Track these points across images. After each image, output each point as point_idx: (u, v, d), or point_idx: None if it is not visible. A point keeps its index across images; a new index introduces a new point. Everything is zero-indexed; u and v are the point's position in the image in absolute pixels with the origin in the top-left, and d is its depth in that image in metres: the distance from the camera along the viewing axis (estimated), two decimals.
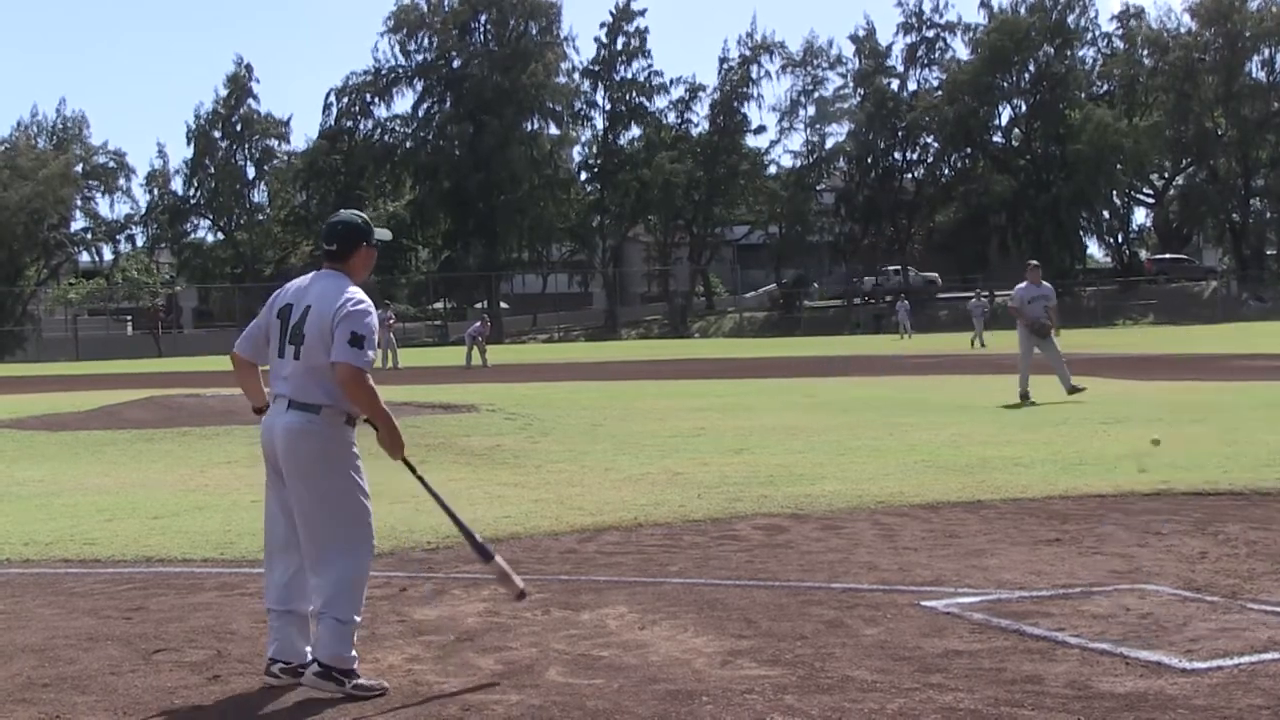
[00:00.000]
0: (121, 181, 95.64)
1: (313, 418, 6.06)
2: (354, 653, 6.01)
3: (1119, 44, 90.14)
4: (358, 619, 6.08)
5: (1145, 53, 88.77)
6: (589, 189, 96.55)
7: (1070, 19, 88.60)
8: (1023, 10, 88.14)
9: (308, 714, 5.71)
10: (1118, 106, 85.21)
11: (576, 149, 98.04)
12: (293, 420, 6.06)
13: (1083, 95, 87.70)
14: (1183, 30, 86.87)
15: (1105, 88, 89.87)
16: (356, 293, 6.12)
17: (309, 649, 6.09)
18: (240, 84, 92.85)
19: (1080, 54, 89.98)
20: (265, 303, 6.39)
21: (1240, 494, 11.12)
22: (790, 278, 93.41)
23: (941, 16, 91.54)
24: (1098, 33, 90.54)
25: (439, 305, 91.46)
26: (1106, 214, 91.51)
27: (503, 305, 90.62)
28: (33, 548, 10.11)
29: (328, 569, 6.00)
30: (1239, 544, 8.95)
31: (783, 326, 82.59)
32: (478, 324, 46.96)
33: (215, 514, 11.51)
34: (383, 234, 6.52)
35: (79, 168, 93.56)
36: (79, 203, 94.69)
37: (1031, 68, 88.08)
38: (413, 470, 6.40)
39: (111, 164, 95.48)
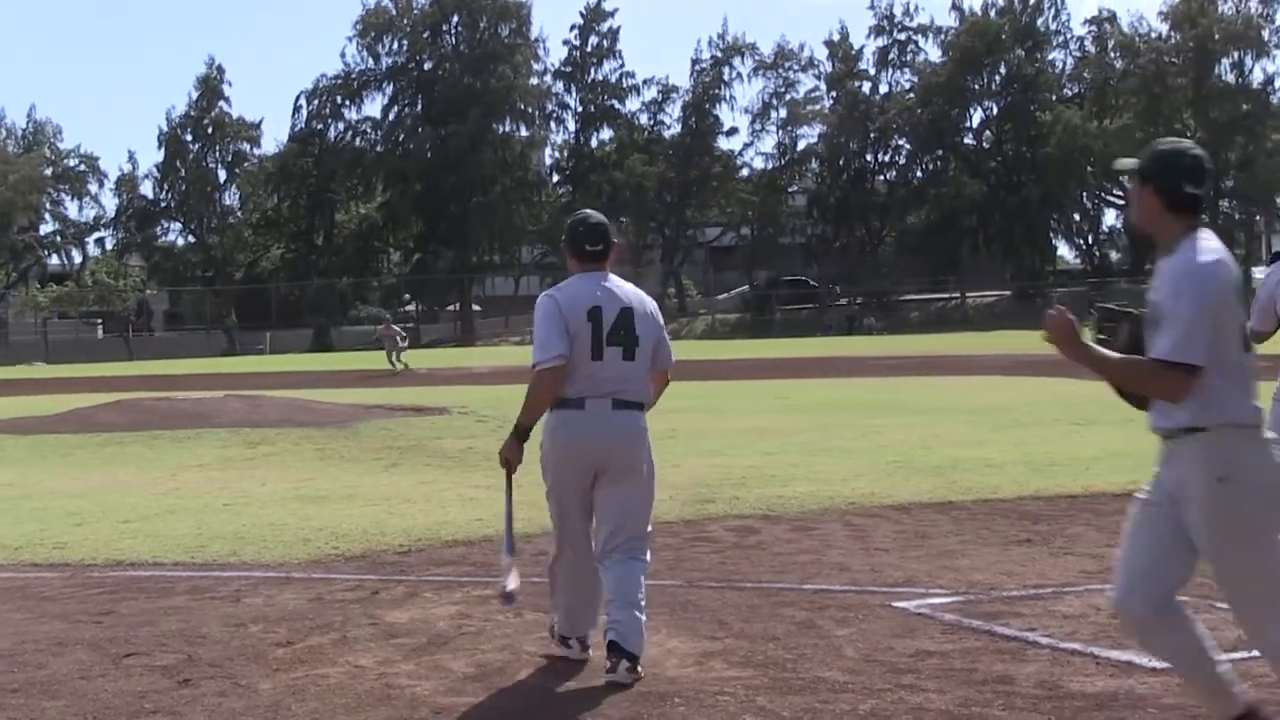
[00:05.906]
0: (92, 186, 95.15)
1: (641, 415, 6.41)
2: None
3: (1090, 47, 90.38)
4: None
5: (1116, 55, 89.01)
6: (560, 191, 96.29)
7: (1040, 22, 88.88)
8: (993, 13, 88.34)
9: (280, 715, 5.69)
10: (1088, 109, 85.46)
11: (548, 151, 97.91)
12: (632, 420, 6.34)
13: (1053, 98, 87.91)
14: (1153, 35, 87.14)
15: (1076, 90, 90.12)
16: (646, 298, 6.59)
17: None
18: (212, 86, 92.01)
19: (1050, 57, 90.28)
20: (558, 311, 6.24)
21: None
22: (763, 280, 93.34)
23: (913, 19, 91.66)
24: (1069, 36, 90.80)
25: (410, 308, 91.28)
26: (1077, 216, 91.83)
27: (475, 308, 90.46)
28: (1, 552, 10.05)
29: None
30: None
31: (755, 328, 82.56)
32: (381, 326, 45.64)
33: (186, 517, 11.47)
34: None
35: (48, 170, 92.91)
36: (48, 206, 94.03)
37: (1003, 70, 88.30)
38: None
39: (83, 167, 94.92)
